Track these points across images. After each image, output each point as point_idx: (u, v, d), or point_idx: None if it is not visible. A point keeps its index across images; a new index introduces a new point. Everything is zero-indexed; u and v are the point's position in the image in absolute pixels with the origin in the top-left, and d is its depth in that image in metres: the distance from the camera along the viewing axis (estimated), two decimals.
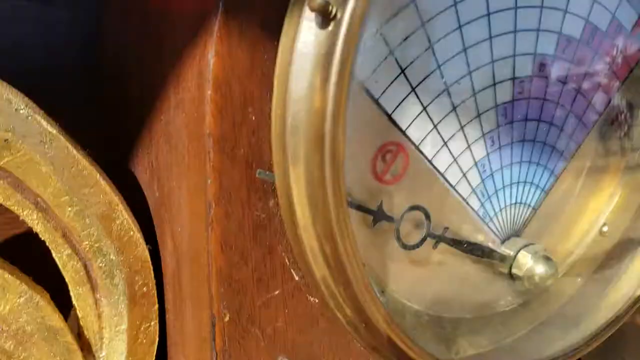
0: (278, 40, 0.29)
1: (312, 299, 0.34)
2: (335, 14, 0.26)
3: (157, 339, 0.39)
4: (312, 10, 0.26)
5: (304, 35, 0.27)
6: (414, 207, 0.35)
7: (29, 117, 0.33)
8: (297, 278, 0.34)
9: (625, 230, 0.48)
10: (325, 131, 0.27)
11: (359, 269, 0.30)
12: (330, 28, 0.26)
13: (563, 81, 0.41)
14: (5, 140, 0.32)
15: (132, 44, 0.40)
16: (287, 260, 0.33)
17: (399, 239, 0.35)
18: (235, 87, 0.29)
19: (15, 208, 0.34)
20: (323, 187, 0.28)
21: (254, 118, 0.30)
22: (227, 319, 0.32)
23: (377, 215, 0.34)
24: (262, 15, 0.28)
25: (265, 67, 0.30)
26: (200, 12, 0.30)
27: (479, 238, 0.40)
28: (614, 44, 0.42)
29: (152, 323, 0.39)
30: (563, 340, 0.44)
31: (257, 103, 0.30)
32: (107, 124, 0.44)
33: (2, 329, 0.34)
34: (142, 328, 0.38)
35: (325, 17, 0.26)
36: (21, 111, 0.32)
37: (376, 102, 0.33)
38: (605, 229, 0.47)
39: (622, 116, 0.45)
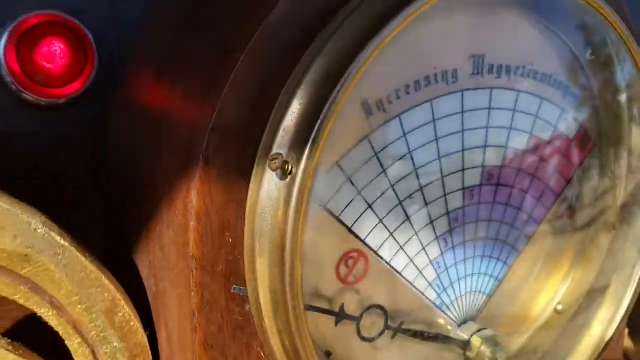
0: (249, 180, 0.35)
1: None
2: (291, 170, 0.32)
3: None
4: (272, 170, 0.32)
5: (267, 184, 0.33)
6: (371, 307, 0.41)
7: (46, 235, 0.39)
8: None
9: (579, 307, 0.53)
10: (286, 257, 0.33)
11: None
12: (287, 180, 0.33)
13: (511, 186, 0.46)
14: (25, 255, 0.39)
15: (135, 155, 0.46)
16: (262, 354, 0.39)
17: (359, 333, 0.41)
18: (214, 217, 0.35)
19: (34, 307, 0.40)
20: (285, 301, 0.34)
21: (230, 241, 0.36)
22: None
23: (339, 316, 0.39)
24: (236, 163, 0.34)
25: (240, 201, 0.36)
26: (186, 155, 0.36)
27: (438, 323, 0.46)
28: (557, 151, 0.47)
29: None
30: None
31: (233, 229, 0.36)
32: (115, 216, 0.50)
33: None
34: None
35: (283, 173, 0.32)
36: (39, 230, 0.39)
37: (337, 218, 0.39)
38: (560, 307, 0.52)
39: (571, 208, 0.51)
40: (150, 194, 0.41)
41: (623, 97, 0.48)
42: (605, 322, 0.51)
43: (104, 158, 0.51)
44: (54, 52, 0.49)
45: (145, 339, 0.43)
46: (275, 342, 0.37)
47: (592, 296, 0.52)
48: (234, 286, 0.36)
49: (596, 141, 0.50)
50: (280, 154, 0.32)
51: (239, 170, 0.35)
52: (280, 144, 0.33)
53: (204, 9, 0.43)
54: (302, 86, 0.33)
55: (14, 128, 0.50)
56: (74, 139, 0.51)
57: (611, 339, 0.51)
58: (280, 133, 0.33)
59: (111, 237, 0.51)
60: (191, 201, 0.35)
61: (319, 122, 0.32)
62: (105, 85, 0.51)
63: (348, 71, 0.33)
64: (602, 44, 0.47)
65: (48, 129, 0.51)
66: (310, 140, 0.32)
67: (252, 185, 0.34)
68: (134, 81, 0.48)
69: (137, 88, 0.47)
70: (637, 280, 0.50)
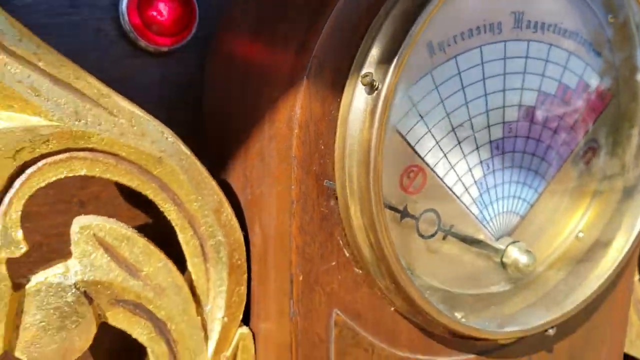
0: (339, 98, 0.45)
1: (357, 270, 0.50)
2: (377, 86, 0.42)
3: (245, 299, 0.55)
4: (363, 85, 0.42)
5: (357, 98, 0.44)
6: (428, 210, 0.51)
7: (174, 143, 0.50)
8: (347, 255, 0.49)
9: (597, 236, 0.62)
10: (370, 157, 0.43)
11: (392, 249, 0.46)
12: (374, 95, 0.43)
13: (542, 124, 0.56)
14: (159, 158, 0.49)
15: (234, 90, 0.57)
16: (341, 242, 0.49)
17: (418, 231, 0.51)
18: (312, 127, 0.46)
19: (161, 203, 0.51)
20: (368, 193, 0.44)
21: (322, 147, 0.47)
22: (300, 278, 0.48)
23: (402, 214, 0.50)
24: (330, 85, 0.45)
25: (331, 115, 0.46)
26: (290, 78, 0.46)
27: (479, 236, 0.56)
28: (582, 98, 0.57)
29: (242, 287, 0.55)
30: (548, 314, 0.58)
31: (325, 138, 0.46)
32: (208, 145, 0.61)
33: (146, 283, 0.51)
34: (236, 290, 0.55)
35: (371, 88, 0.42)
36: (169, 139, 0.49)
37: (404, 138, 0.49)
38: (580, 235, 0.62)
39: (591, 150, 0.60)
40: (252, 118, 0.52)
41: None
42: (619, 248, 0.60)
43: (200, 97, 0.62)
44: (166, 8, 0.59)
45: (242, 236, 0.54)
46: (360, 234, 0.47)
47: (609, 225, 0.61)
48: (326, 180, 0.46)
49: (614, 93, 0.59)
50: (371, 72, 0.43)
51: (331, 90, 0.46)
52: (369, 65, 0.43)
53: None
54: (386, 23, 0.43)
55: (130, 71, 0.61)
56: (176, 80, 0.62)
57: (624, 261, 0.60)
58: (369, 58, 0.44)
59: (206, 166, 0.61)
60: (295, 113, 0.45)
61: (400, 49, 0.42)
62: (203, 38, 0.62)
63: (422, 14, 0.43)
64: (625, 21, 0.56)
65: (156, 72, 0.61)
66: (393, 62, 0.42)
67: (344, 100, 0.45)
68: (232, 32, 0.58)
69: (235, 37, 0.57)
70: None
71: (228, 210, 0.53)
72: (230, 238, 0.53)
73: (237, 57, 0.56)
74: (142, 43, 0.59)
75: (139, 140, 0.48)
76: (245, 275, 0.55)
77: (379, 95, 0.43)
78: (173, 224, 0.52)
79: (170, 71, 0.62)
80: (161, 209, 0.51)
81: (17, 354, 0.47)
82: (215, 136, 0.60)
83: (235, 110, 0.56)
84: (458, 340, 0.55)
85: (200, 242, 0.53)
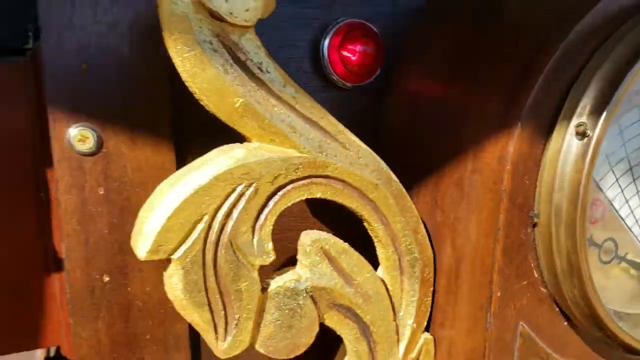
0: (544, 141, 0.53)
1: (542, 290, 0.57)
2: (588, 134, 0.50)
3: (430, 308, 0.63)
4: (577, 133, 0.50)
5: (568, 142, 0.51)
6: (608, 239, 0.58)
7: (387, 172, 0.58)
8: (536, 275, 0.57)
9: None
10: (579, 194, 0.51)
11: (589, 271, 0.53)
12: (584, 141, 0.50)
13: None
14: (375, 185, 0.57)
15: (421, 125, 0.65)
16: (532, 264, 0.57)
17: (599, 257, 0.58)
18: (520, 165, 0.54)
19: (372, 222, 0.59)
20: (574, 224, 0.51)
21: (527, 182, 0.54)
22: (498, 294, 0.56)
23: (589, 242, 0.57)
24: (537, 127, 0.52)
25: (535, 154, 0.54)
26: (502, 121, 0.54)
27: None
28: None
29: (429, 298, 0.63)
30: None
31: (529, 174, 0.54)
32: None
33: (358, 291, 0.59)
34: (424, 300, 0.63)
35: (583, 136, 0.50)
36: (384, 169, 0.58)
37: None
38: None
39: None
40: (449, 151, 0.60)
41: None
42: None
43: (376, 128, 0.70)
44: (361, 51, 0.68)
45: (432, 255, 0.62)
46: (559, 259, 0.54)
47: None
48: (532, 212, 0.54)
49: None
50: (585, 123, 0.50)
51: (537, 134, 0.53)
52: (579, 115, 0.51)
53: (490, 28, 0.61)
54: (595, 79, 0.51)
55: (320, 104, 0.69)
56: (355, 112, 0.70)
57: None
58: (579, 109, 0.51)
59: None
60: (508, 152, 0.53)
61: (610, 102, 0.50)
62: (382, 76, 0.70)
63: (628, 74, 0.50)
64: None
65: (340, 104, 0.70)
66: (603, 114, 0.49)
67: (552, 143, 0.52)
68: (419, 71, 0.66)
69: (424, 76, 0.65)
70: None
71: (423, 230, 0.61)
72: (424, 255, 0.61)
73: (425, 95, 0.64)
74: (334, 77, 0.68)
75: (363, 169, 0.56)
76: (432, 288, 0.63)
77: (589, 142, 0.50)
78: (376, 240, 0.60)
79: (351, 104, 0.70)
80: (369, 228, 0.60)
81: (257, 347, 0.56)
82: (395, 164, 0.68)
83: (424, 143, 0.64)
84: (618, 353, 0.62)
85: (399, 257, 0.61)
